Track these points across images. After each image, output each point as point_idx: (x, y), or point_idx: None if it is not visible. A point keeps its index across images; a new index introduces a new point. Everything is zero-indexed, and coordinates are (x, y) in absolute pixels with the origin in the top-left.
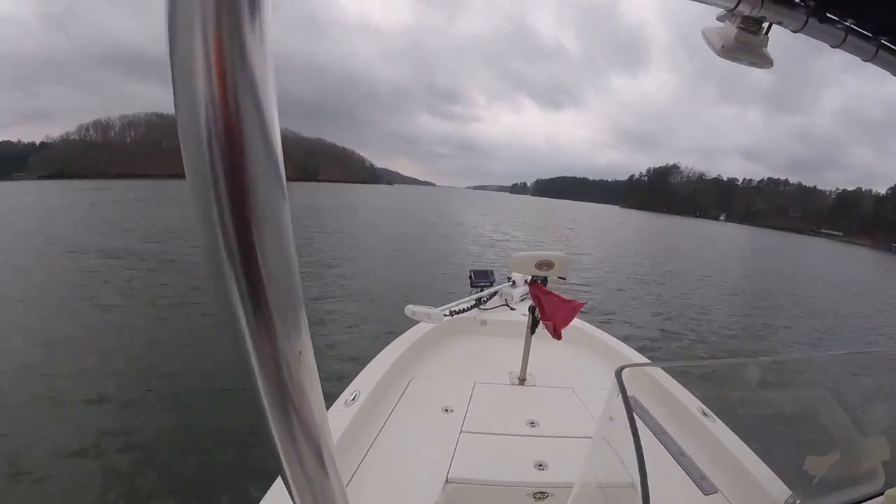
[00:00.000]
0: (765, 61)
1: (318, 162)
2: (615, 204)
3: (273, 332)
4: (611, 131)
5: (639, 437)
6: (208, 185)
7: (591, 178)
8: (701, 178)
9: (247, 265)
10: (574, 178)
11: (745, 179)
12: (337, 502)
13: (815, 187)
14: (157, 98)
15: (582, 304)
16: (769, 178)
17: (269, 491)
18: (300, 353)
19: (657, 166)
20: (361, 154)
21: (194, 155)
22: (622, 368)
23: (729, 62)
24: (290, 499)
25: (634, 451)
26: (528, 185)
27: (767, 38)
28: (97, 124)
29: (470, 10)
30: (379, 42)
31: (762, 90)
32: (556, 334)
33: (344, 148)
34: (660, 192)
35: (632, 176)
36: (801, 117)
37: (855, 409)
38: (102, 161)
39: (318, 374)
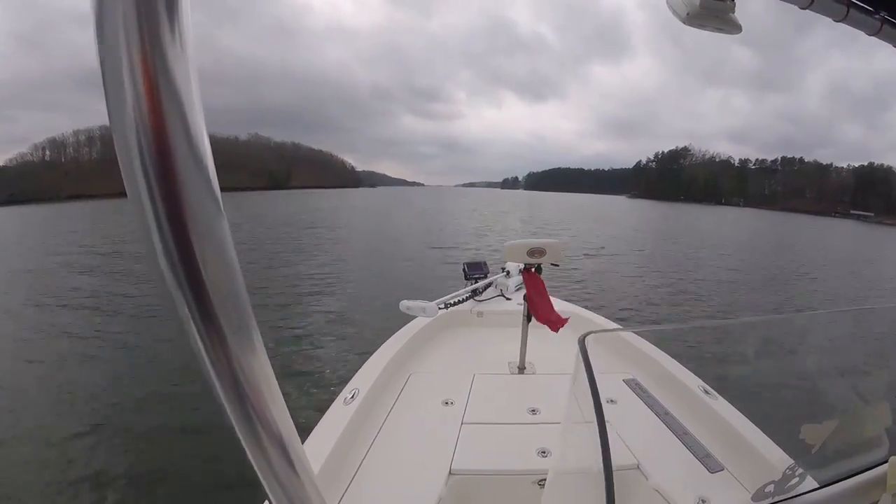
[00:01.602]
0: (732, 27)
1: (291, 167)
2: (617, 193)
3: (224, 340)
4: (596, 121)
5: (601, 406)
6: (146, 206)
7: (585, 168)
8: (712, 160)
9: (192, 281)
10: (568, 169)
11: (757, 160)
12: (309, 495)
13: (831, 165)
14: None
15: (565, 321)
16: (783, 157)
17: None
18: (253, 358)
19: (666, 150)
20: (342, 157)
21: (131, 179)
22: (587, 335)
23: (708, 41)
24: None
25: (596, 423)
26: (520, 179)
27: (734, 3)
28: (52, 143)
29: (444, 6)
30: (353, 45)
31: (747, 71)
32: (552, 325)
33: (321, 151)
34: (673, 178)
35: (639, 162)
36: (787, 96)
37: (856, 373)
38: (56, 182)
39: (274, 377)
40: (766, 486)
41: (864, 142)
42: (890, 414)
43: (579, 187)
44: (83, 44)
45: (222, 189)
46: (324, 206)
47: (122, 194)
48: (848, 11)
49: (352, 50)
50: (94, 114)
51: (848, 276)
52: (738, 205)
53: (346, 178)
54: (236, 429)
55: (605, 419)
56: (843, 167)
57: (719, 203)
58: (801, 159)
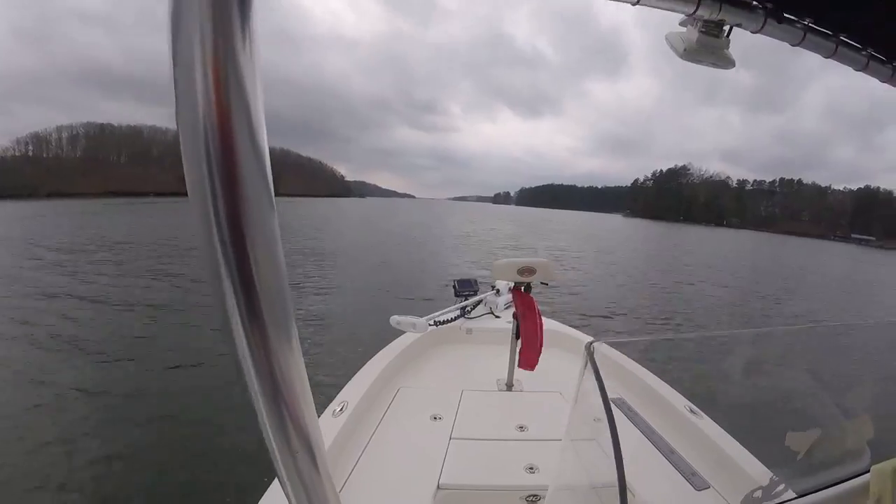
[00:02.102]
0: (726, 62)
1: (279, 174)
2: (610, 212)
3: (266, 336)
4: (590, 138)
5: (612, 415)
6: (207, 202)
7: (578, 185)
8: (710, 180)
9: (242, 274)
10: (561, 185)
11: (755, 180)
12: (328, 497)
13: (829, 187)
14: (132, 116)
15: (535, 361)
16: (781, 179)
17: (264, 494)
18: (290, 356)
19: (664, 168)
20: (332, 166)
21: (196, 175)
22: (593, 342)
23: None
24: (286, 500)
25: (609, 430)
26: (512, 194)
27: (729, 41)
28: (36, 138)
29: (444, 18)
30: (353, 55)
31: (742, 91)
32: (528, 365)
33: (310, 159)
34: (672, 197)
35: (636, 180)
36: (781, 116)
37: (838, 386)
38: (37, 179)
39: (307, 377)
40: (753, 491)
41: (858, 164)
42: (871, 425)
43: (572, 204)
44: (83, 41)
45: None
46: (312, 213)
47: (106, 194)
48: (836, 48)
49: (351, 59)
50: (88, 111)
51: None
52: (736, 226)
53: (335, 187)
54: (266, 424)
55: (592, 437)
56: (840, 189)
57: (719, 224)
58: (799, 181)
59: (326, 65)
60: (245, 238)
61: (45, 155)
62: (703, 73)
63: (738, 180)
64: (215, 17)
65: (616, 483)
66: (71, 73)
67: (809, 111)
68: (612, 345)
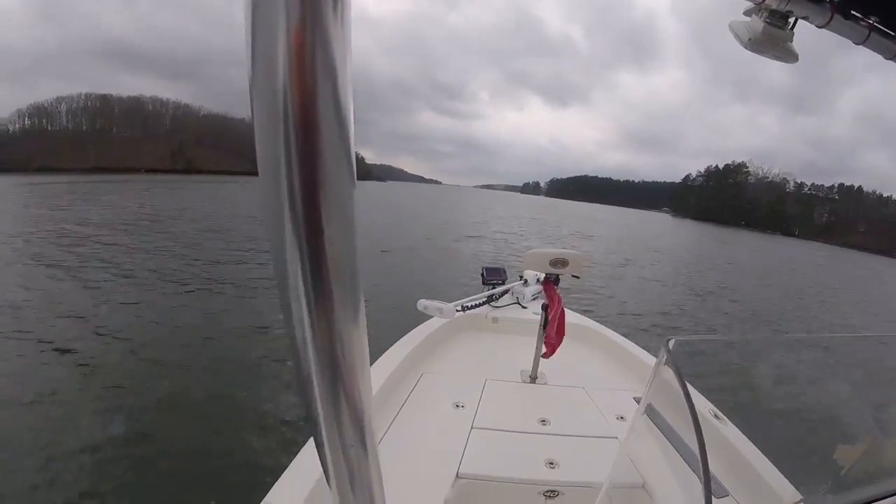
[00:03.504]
0: (790, 55)
1: None
2: (649, 209)
3: (333, 315)
4: (618, 131)
5: (696, 413)
6: (281, 176)
7: (613, 177)
8: (767, 181)
9: (313, 243)
10: (595, 177)
11: (813, 184)
12: (374, 488)
13: (892, 197)
14: (150, 90)
15: (556, 347)
16: (840, 185)
17: (279, 478)
18: (357, 338)
19: (719, 165)
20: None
21: (269, 145)
22: (670, 338)
23: (739, 57)
24: (312, 470)
25: (693, 428)
26: (542, 185)
27: (793, 33)
28: (38, 109)
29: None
30: (375, 34)
31: (776, 91)
32: (550, 351)
33: None
34: (731, 198)
35: (687, 176)
36: (817, 119)
37: (875, 401)
38: (30, 152)
39: (368, 360)
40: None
41: (891, 172)
42: None
43: (607, 199)
44: (100, 14)
45: (220, 172)
46: None
47: (94, 170)
48: (869, 34)
49: (373, 39)
50: (106, 83)
51: None
52: (794, 235)
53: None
54: (318, 402)
55: (614, 435)
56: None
57: (786, 233)
58: (859, 188)
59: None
60: (320, 207)
61: (48, 127)
62: (735, 69)
63: (795, 183)
64: None
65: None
66: (90, 48)
67: (844, 115)
68: (688, 343)
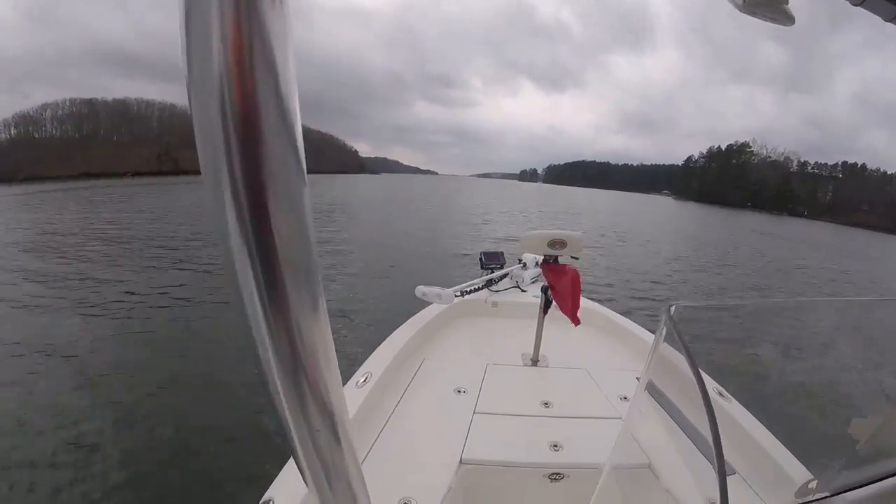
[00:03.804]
0: (786, 18)
1: None
2: (650, 192)
3: (286, 299)
4: (614, 114)
5: (704, 385)
6: (223, 176)
7: (612, 162)
8: (770, 161)
9: (260, 240)
10: (593, 162)
11: (816, 163)
12: (352, 479)
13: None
14: (146, 93)
15: (579, 276)
16: (844, 163)
17: (280, 473)
18: (313, 315)
19: (721, 146)
20: (352, 142)
21: (208, 143)
22: (671, 305)
23: (734, 36)
24: (300, 480)
25: (703, 401)
26: (539, 171)
27: None
28: (23, 118)
29: None
30: (367, 26)
31: (772, 70)
32: (575, 320)
33: (319, 132)
34: (735, 179)
35: (689, 158)
36: (813, 97)
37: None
38: (17, 162)
39: (333, 343)
40: (809, 482)
41: (890, 151)
42: None
43: (607, 183)
44: (92, 17)
45: (196, 172)
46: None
47: (81, 176)
48: None
49: (365, 31)
50: (101, 90)
51: None
52: (803, 215)
53: (347, 162)
54: (282, 397)
55: (619, 416)
56: None
57: (791, 213)
58: (863, 165)
59: (339, 37)
60: (267, 205)
61: (35, 135)
62: (732, 50)
63: (799, 162)
64: None
65: (714, 459)
66: (84, 53)
67: (841, 95)
68: (691, 309)
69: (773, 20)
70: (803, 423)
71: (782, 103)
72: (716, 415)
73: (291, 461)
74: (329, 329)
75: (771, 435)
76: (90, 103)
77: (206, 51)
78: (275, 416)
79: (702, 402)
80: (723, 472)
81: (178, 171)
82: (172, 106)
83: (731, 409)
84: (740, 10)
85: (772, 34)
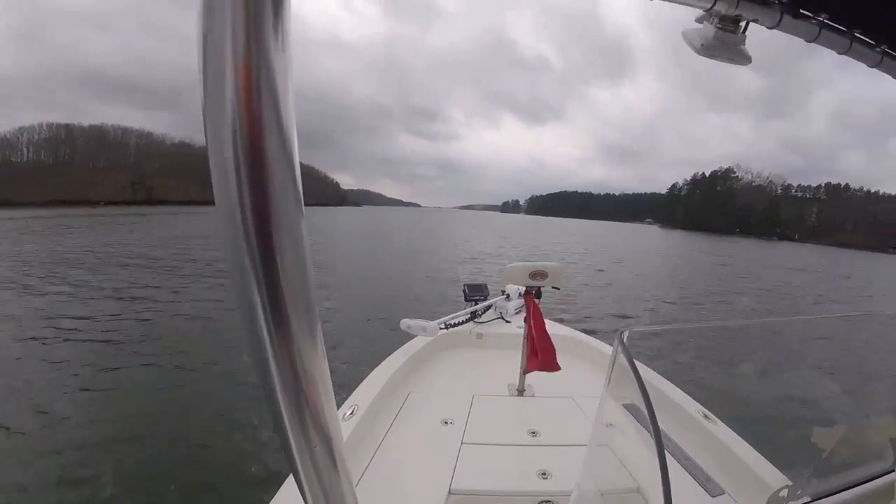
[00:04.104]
0: (743, 58)
1: None
2: (633, 221)
3: (290, 334)
4: (595, 146)
5: (653, 408)
6: (234, 204)
7: (594, 192)
8: (753, 185)
9: (267, 269)
10: (575, 192)
11: (799, 185)
12: (346, 499)
13: (878, 192)
14: (126, 120)
15: (553, 362)
16: (827, 184)
17: (278, 492)
18: (314, 354)
19: (705, 172)
20: (325, 172)
21: (222, 176)
22: (624, 330)
23: (712, 65)
24: (300, 497)
25: (650, 426)
26: (521, 202)
27: (745, 36)
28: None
29: (444, 21)
30: (351, 59)
31: (751, 97)
32: (548, 367)
33: (302, 164)
34: (722, 205)
35: (674, 185)
36: (789, 123)
37: (858, 384)
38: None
39: (330, 376)
40: (780, 490)
41: (868, 171)
42: (893, 423)
43: (589, 213)
44: (82, 42)
45: (185, 202)
46: None
47: (53, 203)
48: (851, 45)
49: (349, 64)
50: (84, 114)
51: None
52: (793, 239)
53: (327, 194)
54: (286, 424)
55: (605, 442)
56: (891, 194)
57: (780, 237)
58: (846, 186)
59: (324, 69)
60: (272, 235)
61: (11, 159)
62: (710, 78)
63: (782, 186)
64: (248, 14)
65: (660, 481)
66: (69, 77)
67: (818, 117)
68: (643, 334)
69: (731, 61)
70: (779, 431)
71: (760, 129)
72: (702, 437)
73: (289, 480)
74: (325, 360)
75: (757, 454)
76: (67, 128)
77: (220, 87)
78: (278, 434)
79: (649, 423)
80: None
81: (152, 201)
82: (150, 134)
83: (717, 431)
84: (698, 54)
85: (750, 65)
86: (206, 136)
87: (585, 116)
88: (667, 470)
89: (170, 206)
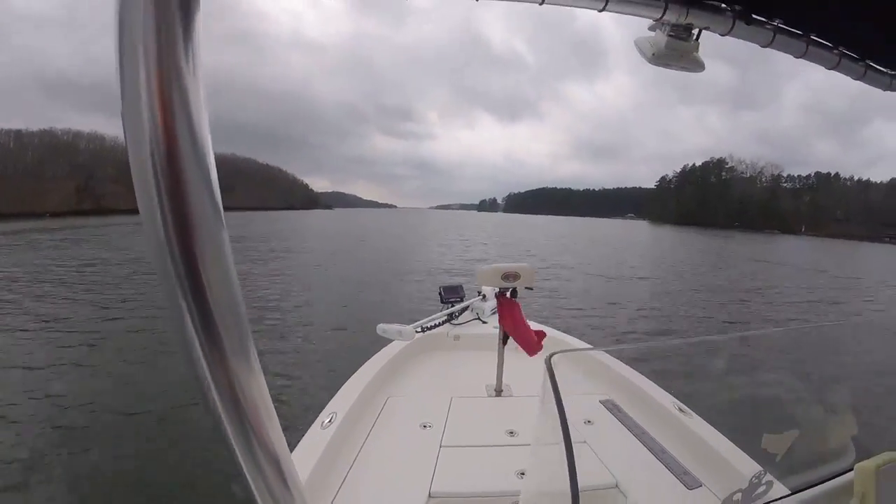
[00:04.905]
0: (696, 65)
1: (225, 183)
2: (616, 216)
3: (225, 356)
4: (570, 142)
5: (568, 430)
6: (157, 223)
7: (574, 188)
8: (742, 176)
9: (195, 290)
10: (555, 189)
11: (789, 175)
12: None
13: (868, 180)
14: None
15: (544, 335)
16: (817, 173)
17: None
18: (250, 372)
19: (697, 163)
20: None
21: (145, 196)
22: (552, 355)
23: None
24: None
25: (564, 446)
26: (499, 201)
27: (698, 44)
28: None
29: (415, 18)
30: (319, 59)
31: (722, 89)
32: (532, 352)
33: (267, 165)
34: (717, 198)
35: (663, 177)
36: (761, 113)
37: (821, 385)
38: None
39: (268, 392)
40: (733, 494)
41: (842, 159)
42: (855, 423)
43: (569, 210)
44: (40, 47)
45: (136, 211)
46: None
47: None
48: (807, 48)
49: (317, 63)
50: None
51: None
52: (797, 232)
53: (297, 197)
54: (233, 443)
55: (583, 440)
56: (878, 182)
57: (782, 231)
58: (836, 175)
59: (292, 70)
60: (196, 257)
61: None
62: (680, 73)
63: (772, 176)
64: (159, 38)
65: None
66: (38, 81)
67: (788, 107)
68: (574, 355)
69: (684, 69)
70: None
71: (733, 120)
72: (677, 429)
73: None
74: (262, 374)
75: (733, 444)
76: (18, 134)
77: (138, 118)
78: (230, 460)
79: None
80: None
81: (101, 210)
82: (102, 137)
83: (693, 424)
84: (650, 63)
85: (719, 53)
86: (129, 154)
87: (560, 112)
88: (577, 490)
89: (121, 216)
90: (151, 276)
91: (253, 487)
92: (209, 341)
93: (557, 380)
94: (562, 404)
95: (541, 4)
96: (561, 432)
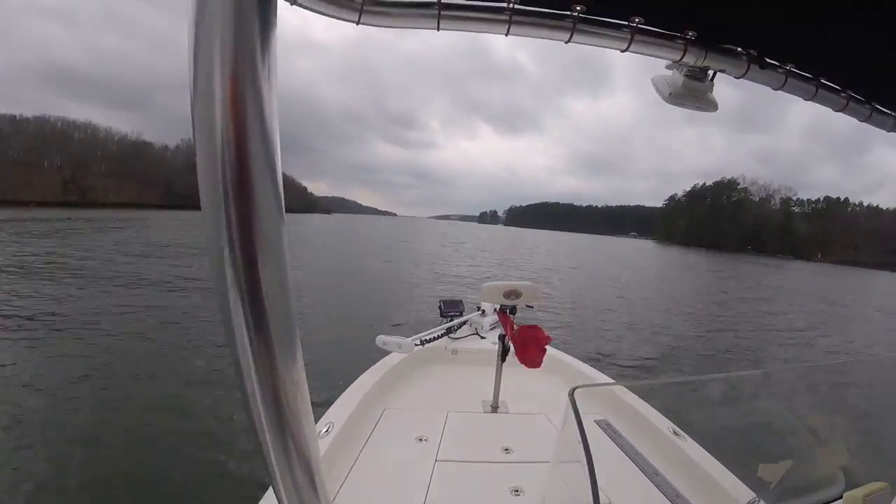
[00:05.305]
0: (710, 105)
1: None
2: (614, 234)
3: (272, 352)
4: (570, 157)
5: (592, 463)
6: (220, 217)
7: (576, 203)
8: (750, 199)
9: (251, 291)
10: (556, 203)
11: (798, 199)
12: None
13: (878, 206)
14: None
15: (550, 339)
16: (826, 198)
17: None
18: (295, 375)
19: (707, 183)
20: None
21: (210, 189)
22: (574, 389)
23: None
24: None
25: (588, 479)
26: (500, 213)
27: (713, 84)
28: None
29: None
30: (324, 63)
31: (725, 110)
32: (534, 364)
33: None
34: (729, 220)
35: (672, 197)
36: (764, 136)
37: (814, 418)
38: None
39: (309, 394)
40: None
41: (842, 184)
42: (844, 453)
43: (570, 226)
44: (46, 37)
45: (122, 205)
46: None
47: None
48: (817, 91)
49: (322, 68)
50: (54, 109)
51: None
52: (812, 259)
53: (295, 200)
54: (267, 439)
55: (576, 459)
56: (886, 209)
57: (794, 256)
58: (846, 199)
59: (297, 70)
60: (256, 253)
61: None
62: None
63: (782, 199)
64: (236, 32)
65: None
66: (40, 72)
67: (792, 131)
68: (592, 390)
69: (698, 108)
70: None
71: (736, 142)
72: (671, 452)
73: (269, 494)
74: (304, 375)
75: (727, 470)
76: (14, 120)
77: (209, 104)
78: (256, 445)
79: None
80: None
81: (89, 203)
82: (95, 126)
83: (687, 448)
84: (666, 102)
85: (726, 79)
86: (196, 154)
87: (560, 126)
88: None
89: (110, 210)
90: (145, 270)
91: (280, 484)
92: (259, 344)
93: (541, 394)
94: (586, 437)
95: (567, 43)
96: (585, 466)
